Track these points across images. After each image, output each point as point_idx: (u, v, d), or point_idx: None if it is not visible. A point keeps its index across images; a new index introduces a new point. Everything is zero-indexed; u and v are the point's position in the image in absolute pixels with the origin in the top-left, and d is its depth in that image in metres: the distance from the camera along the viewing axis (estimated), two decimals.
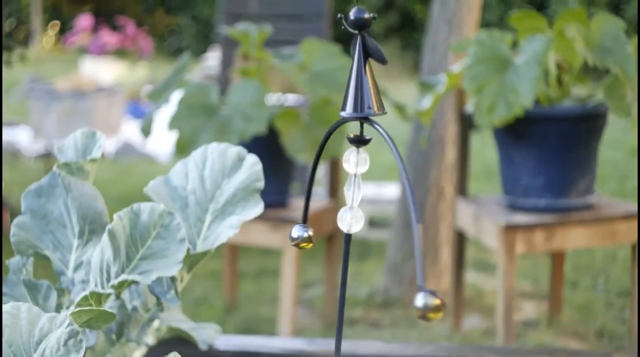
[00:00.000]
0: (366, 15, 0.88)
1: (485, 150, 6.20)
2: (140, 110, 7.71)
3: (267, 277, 3.67)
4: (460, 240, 3.00)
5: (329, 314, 3.12)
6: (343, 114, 0.89)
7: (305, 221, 0.97)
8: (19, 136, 6.93)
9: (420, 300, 0.75)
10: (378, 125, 0.87)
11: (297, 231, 0.95)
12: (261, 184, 1.29)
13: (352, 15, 0.87)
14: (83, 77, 7.70)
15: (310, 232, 0.96)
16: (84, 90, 7.15)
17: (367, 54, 0.88)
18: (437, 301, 0.75)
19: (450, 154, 3.32)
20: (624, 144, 6.32)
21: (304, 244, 0.95)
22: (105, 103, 7.24)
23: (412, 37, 12.43)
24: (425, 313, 0.75)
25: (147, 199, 1.28)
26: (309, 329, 3.08)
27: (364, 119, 0.89)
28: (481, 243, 3.40)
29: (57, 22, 14.15)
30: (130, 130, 7.31)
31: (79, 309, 1.05)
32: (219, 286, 3.51)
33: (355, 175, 0.94)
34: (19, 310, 1.10)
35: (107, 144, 6.78)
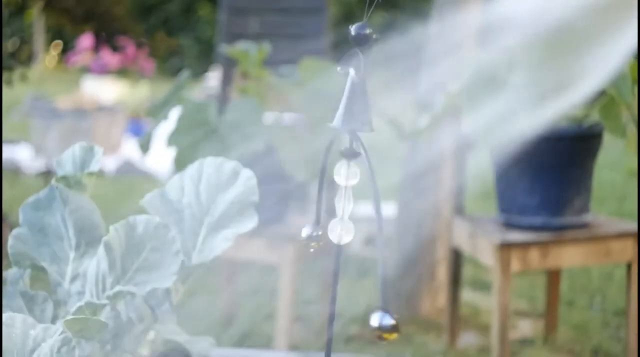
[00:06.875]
0: (367, 31, 0.88)
1: (481, 169, 6.22)
2: (141, 129, 7.74)
3: (265, 293, 3.68)
4: (457, 258, 3.02)
5: (326, 331, 3.13)
6: (331, 125, 0.90)
7: (318, 222, 0.98)
8: (19, 154, 6.96)
9: (375, 320, 0.77)
10: (361, 142, 0.89)
11: (307, 230, 0.96)
12: (256, 197, 1.31)
13: (353, 30, 0.88)
14: (84, 96, 7.74)
15: (320, 232, 0.97)
16: (85, 109, 7.18)
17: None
18: (392, 322, 0.76)
19: (447, 172, 3.34)
20: (622, 165, 6.33)
21: (313, 243, 0.96)
22: (106, 122, 7.27)
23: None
24: (380, 333, 0.77)
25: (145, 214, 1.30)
26: (305, 345, 3.09)
27: (352, 133, 0.90)
28: (477, 261, 3.41)
29: (60, 42, 14.21)
30: (131, 148, 7.33)
31: (72, 317, 1.07)
32: (217, 302, 3.52)
33: (345, 187, 0.95)
34: (14, 320, 1.12)
35: (107, 162, 6.80)
